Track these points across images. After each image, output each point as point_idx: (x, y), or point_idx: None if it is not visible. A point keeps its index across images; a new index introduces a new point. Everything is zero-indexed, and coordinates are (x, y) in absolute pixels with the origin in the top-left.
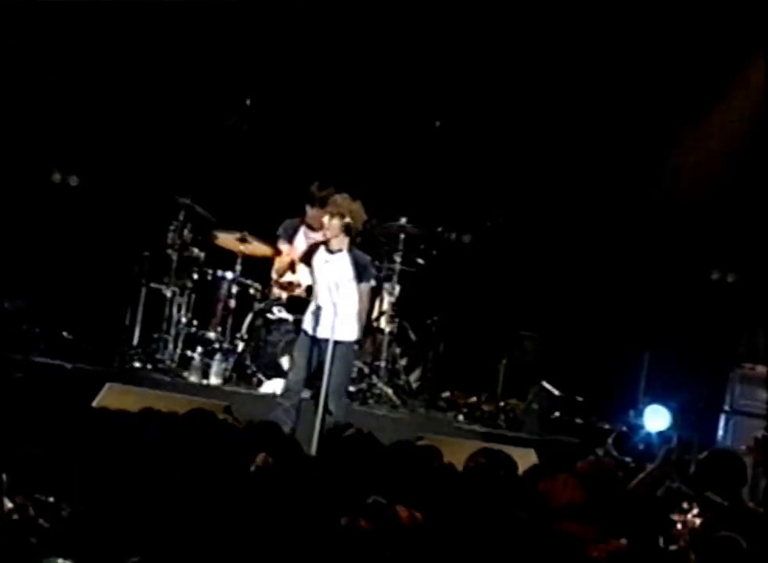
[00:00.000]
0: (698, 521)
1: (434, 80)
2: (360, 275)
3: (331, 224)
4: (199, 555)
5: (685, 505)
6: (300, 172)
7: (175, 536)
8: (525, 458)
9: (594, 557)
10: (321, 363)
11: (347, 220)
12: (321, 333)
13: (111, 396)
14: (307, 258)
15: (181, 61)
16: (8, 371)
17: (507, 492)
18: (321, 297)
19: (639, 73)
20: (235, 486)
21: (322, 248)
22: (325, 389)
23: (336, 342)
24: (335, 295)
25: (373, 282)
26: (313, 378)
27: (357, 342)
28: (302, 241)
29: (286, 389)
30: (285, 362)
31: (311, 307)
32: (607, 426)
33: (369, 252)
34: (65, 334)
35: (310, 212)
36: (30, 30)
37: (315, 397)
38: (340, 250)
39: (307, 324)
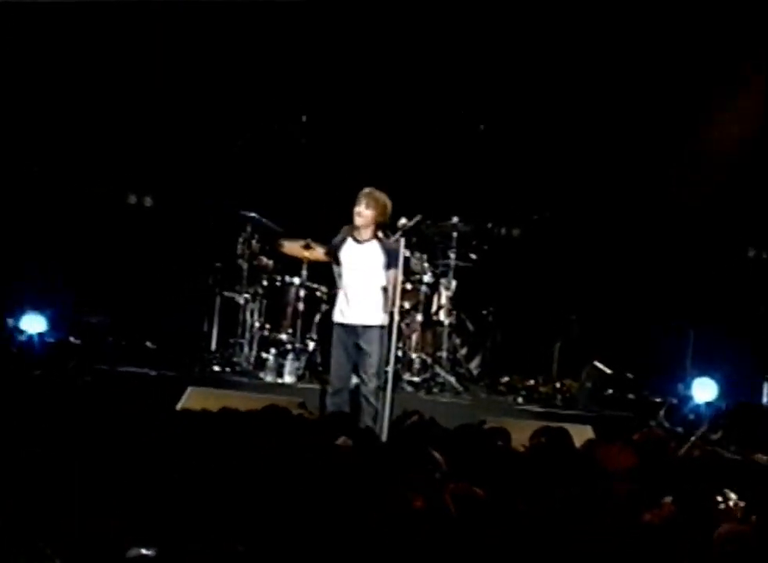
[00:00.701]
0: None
1: (476, 88)
2: (389, 262)
3: (364, 213)
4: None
5: None
6: (355, 180)
7: (260, 520)
8: (582, 434)
9: (647, 521)
10: (359, 350)
11: (377, 211)
12: (353, 320)
13: (193, 399)
14: (334, 252)
15: (238, 84)
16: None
17: (566, 466)
18: (351, 285)
19: (663, 68)
20: (312, 474)
21: (349, 239)
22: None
23: (367, 327)
24: (366, 282)
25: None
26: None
27: (384, 326)
28: None
29: (333, 387)
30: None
31: (340, 297)
32: (658, 399)
33: (425, 251)
34: (148, 344)
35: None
36: (105, 60)
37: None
38: (369, 240)
39: (338, 314)
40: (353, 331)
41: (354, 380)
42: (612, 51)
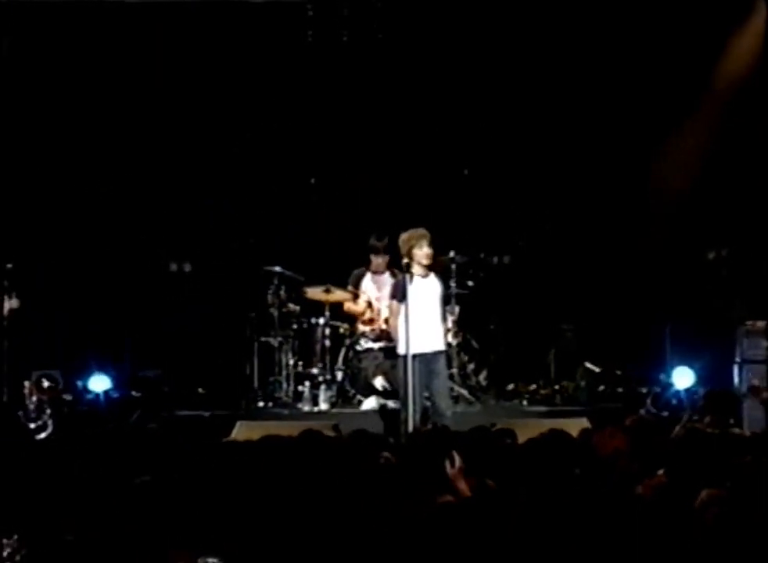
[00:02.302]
0: None
1: (461, 140)
2: (446, 291)
3: (427, 253)
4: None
5: None
6: (363, 227)
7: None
8: (580, 426)
9: (641, 493)
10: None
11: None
12: (424, 348)
13: (242, 432)
14: (402, 292)
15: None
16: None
17: (565, 455)
18: (420, 317)
19: (628, 92)
20: (347, 487)
21: (408, 278)
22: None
23: (439, 353)
24: (433, 312)
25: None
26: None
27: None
28: (369, 285)
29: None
30: (377, 382)
31: (415, 329)
32: (644, 390)
33: None
34: (200, 390)
35: (375, 260)
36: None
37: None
38: (429, 275)
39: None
40: (425, 358)
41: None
42: (578, 87)
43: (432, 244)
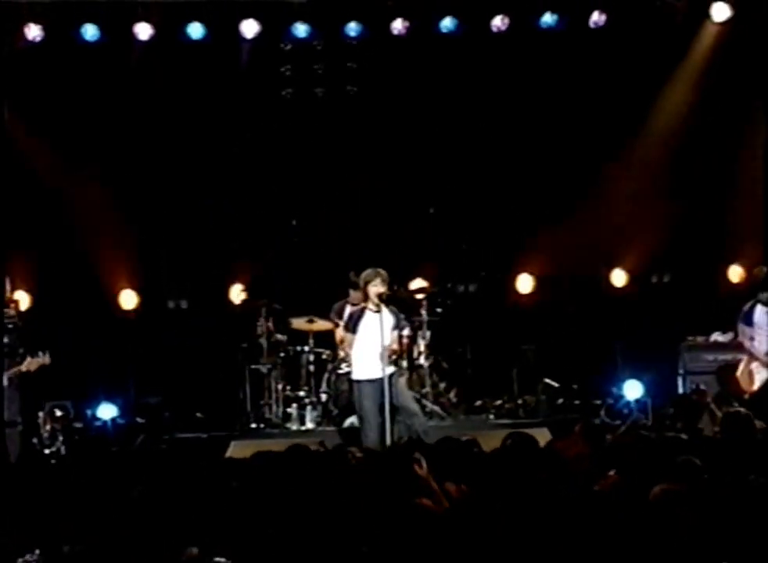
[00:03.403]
0: None
1: (425, 184)
2: (397, 323)
3: (380, 291)
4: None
5: None
6: (340, 265)
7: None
8: (541, 435)
9: (598, 490)
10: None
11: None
12: (374, 374)
13: (236, 451)
14: (354, 325)
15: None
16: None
17: (531, 461)
18: (371, 347)
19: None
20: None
21: (366, 311)
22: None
23: (391, 375)
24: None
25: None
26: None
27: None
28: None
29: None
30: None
31: (366, 357)
32: (598, 402)
33: (401, 311)
34: (198, 414)
35: (353, 293)
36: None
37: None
38: (381, 309)
39: (370, 371)
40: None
41: None
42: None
43: (386, 282)
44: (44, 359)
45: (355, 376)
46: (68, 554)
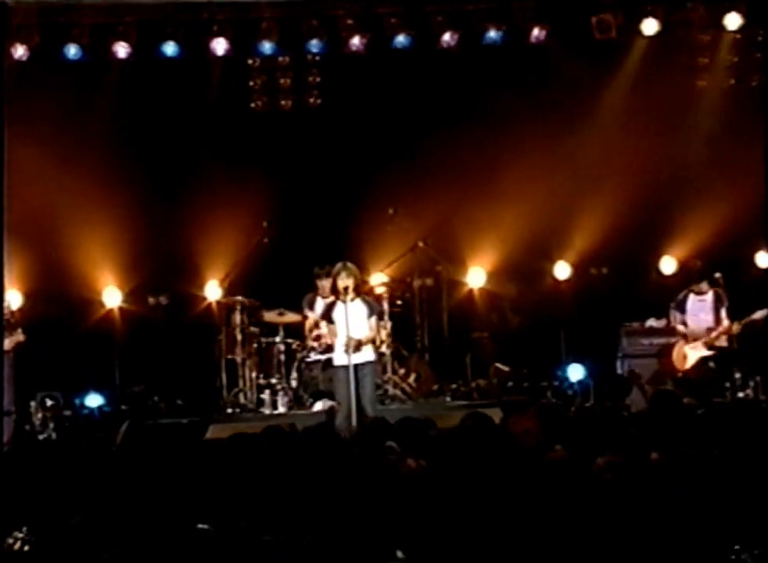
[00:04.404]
0: None
1: (386, 186)
2: (371, 311)
3: (346, 284)
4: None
5: None
6: (306, 263)
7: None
8: (494, 414)
9: (548, 460)
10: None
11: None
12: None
13: (215, 433)
14: (327, 314)
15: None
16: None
17: (487, 437)
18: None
19: None
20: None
21: (338, 302)
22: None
23: (366, 363)
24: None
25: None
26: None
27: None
28: (320, 305)
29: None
30: (323, 388)
31: (339, 345)
32: (545, 383)
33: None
34: (179, 401)
35: (320, 284)
36: None
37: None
38: (355, 299)
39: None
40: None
41: None
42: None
43: (352, 274)
44: (18, 336)
45: (334, 361)
46: (64, 527)
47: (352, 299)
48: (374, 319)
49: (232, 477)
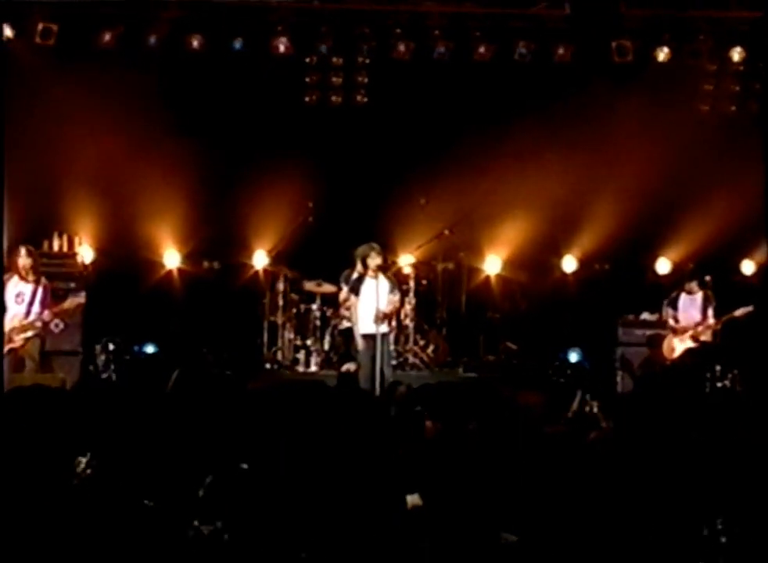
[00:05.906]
0: None
1: (419, 178)
2: (392, 288)
3: (377, 262)
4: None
5: None
6: (344, 242)
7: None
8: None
9: (548, 433)
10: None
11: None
12: (371, 330)
13: (254, 384)
14: (356, 289)
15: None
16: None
17: (494, 406)
18: (369, 307)
19: None
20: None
21: (366, 278)
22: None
23: (385, 334)
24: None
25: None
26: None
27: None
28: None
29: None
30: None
31: (364, 316)
32: (547, 363)
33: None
34: (225, 354)
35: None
36: None
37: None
38: (379, 276)
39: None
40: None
41: None
42: None
43: (380, 254)
44: (80, 298)
45: (356, 331)
46: (121, 456)
47: (378, 276)
48: (394, 295)
49: (273, 423)
